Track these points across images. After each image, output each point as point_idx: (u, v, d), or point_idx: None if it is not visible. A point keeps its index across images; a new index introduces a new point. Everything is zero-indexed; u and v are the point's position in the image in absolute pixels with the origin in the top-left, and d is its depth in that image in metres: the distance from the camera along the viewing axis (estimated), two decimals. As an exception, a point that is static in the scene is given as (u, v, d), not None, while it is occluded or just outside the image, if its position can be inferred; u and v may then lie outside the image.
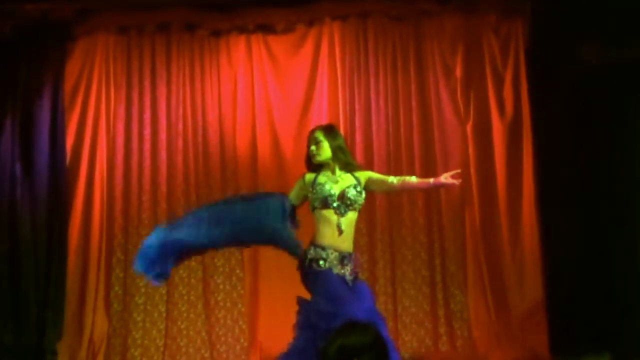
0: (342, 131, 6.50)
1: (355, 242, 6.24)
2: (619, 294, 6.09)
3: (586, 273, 6.11)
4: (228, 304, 6.50)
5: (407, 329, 6.39)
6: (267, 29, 6.75)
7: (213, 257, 6.51)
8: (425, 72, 6.60)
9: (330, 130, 4.73)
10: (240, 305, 6.51)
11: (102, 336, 6.48)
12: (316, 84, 6.71)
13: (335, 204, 4.52)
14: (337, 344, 2.49)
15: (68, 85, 6.63)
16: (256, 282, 6.57)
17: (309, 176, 4.65)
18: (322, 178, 4.60)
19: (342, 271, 4.50)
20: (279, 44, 6.77)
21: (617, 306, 6.06)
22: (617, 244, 6.13)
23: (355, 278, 4.53)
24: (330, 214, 4.51)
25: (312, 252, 4.48)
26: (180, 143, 6.66)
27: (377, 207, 6.50)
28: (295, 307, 6.36)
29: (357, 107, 6.59)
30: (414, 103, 6.59)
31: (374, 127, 6.59)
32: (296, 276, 6.41)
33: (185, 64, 6.74)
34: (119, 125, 6.68)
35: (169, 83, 6.71)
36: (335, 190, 4.55)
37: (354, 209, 4.53)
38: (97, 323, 6.49)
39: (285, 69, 6.75)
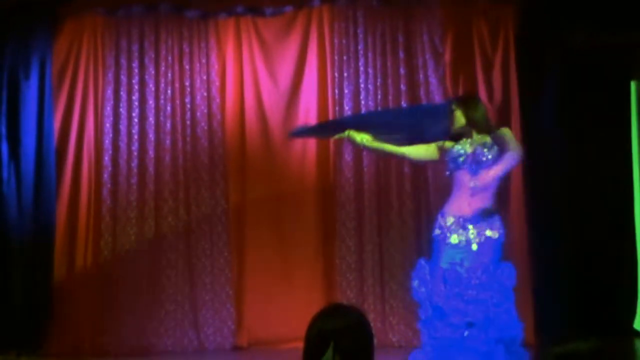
0: (330, 114, 6.54)
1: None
2: (606, 279, 6.11)
3: (572, 258, 6.12)
4: (216, 287, 6.48)
5: (394, 312, 6.40)
6: (256, 11, 6.69)
7: (200, 240, 6.50)
8: (414, 56, 6.54)
9: (463, 100, 4.96)
10: (227, 288, 6.49)
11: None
12: (305, 67, 6.66)
13: (465, 164, 4.65)
14: (316, 327, 2.40)
15: (55, 67, 6.54)
16: (243, 264, 6.56)
17: (448, 144, 4.82)
18: (457, 143, 4.75)
19: (463, 237, 4.59)
20: (268, 27, 6.71)
21: (603, 291, 6.08)
22: (604, 229, 6.14)
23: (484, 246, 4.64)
24: (462, 174, 4.67)
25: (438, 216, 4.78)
26: (168, 125, 6.61)
27: (365, 191, 6.49)
28: (281, 291, 6.45)
29: (345, 90, 6.55)
30: (403, 87, 6.55)
31: (363, 111, 6.55)
32: (283, 259, 6.51)
33: (174, 45, 6.66)
34: (107, 106, 6.60)
35: (157, 65, 6.64)
36: (467, 150, 4.66)
37: (489, 167, 4.60)
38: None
39: (274, 52, 6.70)
